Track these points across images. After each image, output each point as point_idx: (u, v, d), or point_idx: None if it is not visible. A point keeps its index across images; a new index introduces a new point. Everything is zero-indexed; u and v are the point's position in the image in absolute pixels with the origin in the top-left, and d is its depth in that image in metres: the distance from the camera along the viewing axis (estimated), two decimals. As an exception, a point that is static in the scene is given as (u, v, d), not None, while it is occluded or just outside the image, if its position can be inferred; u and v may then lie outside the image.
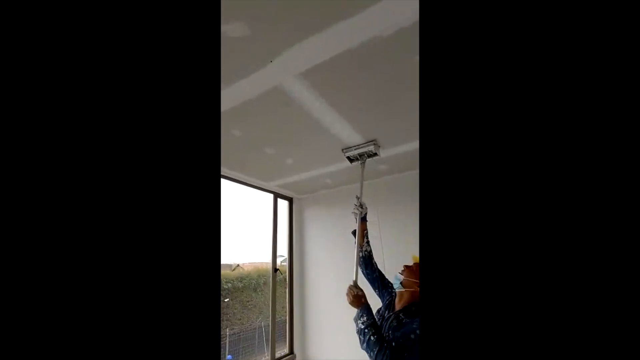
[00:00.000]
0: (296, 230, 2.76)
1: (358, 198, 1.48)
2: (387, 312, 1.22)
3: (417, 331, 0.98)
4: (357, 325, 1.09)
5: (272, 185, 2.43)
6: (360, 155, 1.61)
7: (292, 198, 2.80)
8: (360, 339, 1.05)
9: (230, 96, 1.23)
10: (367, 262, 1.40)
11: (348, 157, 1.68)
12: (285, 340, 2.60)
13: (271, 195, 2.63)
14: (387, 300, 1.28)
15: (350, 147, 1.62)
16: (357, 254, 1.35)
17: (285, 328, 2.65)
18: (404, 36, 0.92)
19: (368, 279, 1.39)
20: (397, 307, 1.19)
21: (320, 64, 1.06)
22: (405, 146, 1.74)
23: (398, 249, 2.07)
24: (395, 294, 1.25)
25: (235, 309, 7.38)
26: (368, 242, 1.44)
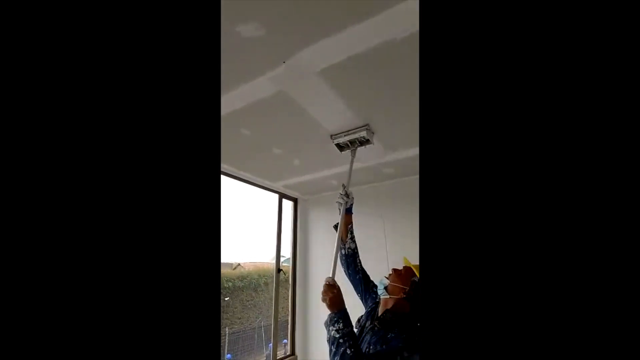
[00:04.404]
0: (300, 231, 2.76)
1: (344, 186, 1.32)
2: (368, 321, 1.05)
3: (405, 354, 0.81)
4: (329, 332, 0.90)
5: (278, 186, 2.44)
6: (352, 142, 1.47)
7: (297, 199, 2.80)
8: (331, 349, 0.86)
9: (242, 95, 1.24)
10: (349, 262, 1.24)
11: (337, 145, 1.51)
12: (287, 341, 2.59)
13: (276, 196, 2.63)
14: (371, 307, 1.14)
15: (340, 134, 1.46)
16: (337, 250, 1.18)
17: (285, 328, 2.64)
18: (417, 40, 0.93)
19: (351, 281, 1.24)
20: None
21: (333, 66, 1.06)
22: (413, 150, 1.74)
23: (403, 254, 2.06)
24: (380, 300, 1.09)
25: (235, 308, 7.38)
26: (353, 237, 1.28)
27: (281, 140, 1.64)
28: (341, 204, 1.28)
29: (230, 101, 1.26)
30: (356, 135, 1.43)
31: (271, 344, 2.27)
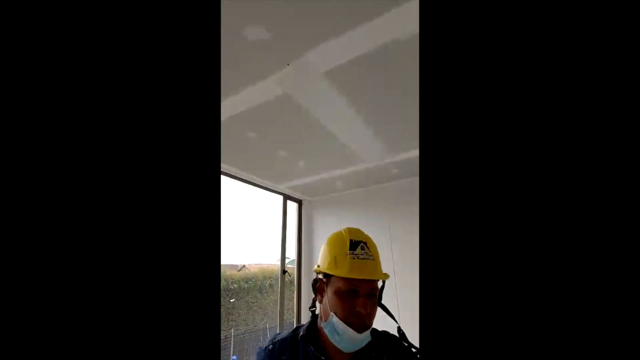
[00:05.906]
0: (305, 233, 2.77)
1: None
2: None
3: None
4: None
5: (282, 187, 2.44)
6: None
7: (301, 200, 2.81)
8: None
9: (248, 98, 1.25)
10: None
11: None
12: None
13: (281, 197, 2.64)
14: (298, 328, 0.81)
15: None
16: None
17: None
18: (424, 41, 0.93)
19: None
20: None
21: (337, 67, 1.06)
22: (417, 151, 1.74)
23: (409, 253, 2.06)
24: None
25: (240, 309, 7.40)
26: None
27: (286, 142, 1.64)
28: None
29: (236, 104, 1.27)
30: None
31: (277, 346, 2.27)
